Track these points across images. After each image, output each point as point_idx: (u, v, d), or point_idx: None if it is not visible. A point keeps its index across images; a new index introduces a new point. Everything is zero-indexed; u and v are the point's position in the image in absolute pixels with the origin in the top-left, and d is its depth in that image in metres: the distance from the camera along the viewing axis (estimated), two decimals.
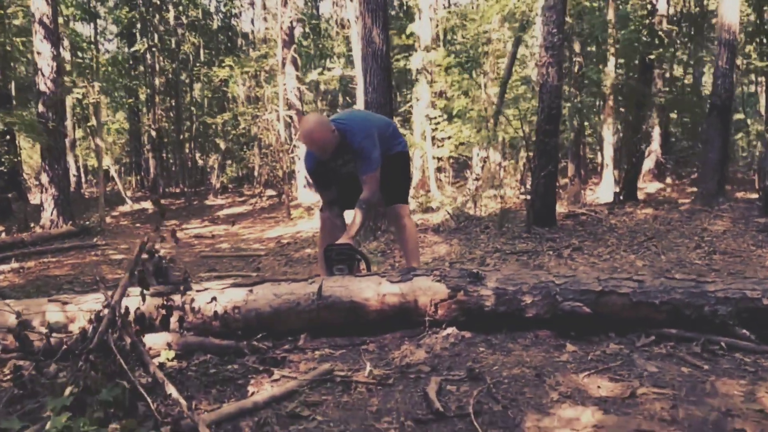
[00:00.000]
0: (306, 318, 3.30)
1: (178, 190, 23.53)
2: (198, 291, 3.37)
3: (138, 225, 14.08)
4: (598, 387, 2.59)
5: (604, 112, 11.91)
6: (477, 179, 8.91)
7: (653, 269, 4.61)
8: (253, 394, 2.66)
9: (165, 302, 2.71)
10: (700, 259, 4.97)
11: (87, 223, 11.73)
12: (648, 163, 14.52)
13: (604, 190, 11.99)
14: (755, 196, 9.25)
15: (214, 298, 3.02)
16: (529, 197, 6.80)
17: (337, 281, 3.36)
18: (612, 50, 10.19)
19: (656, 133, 13.55)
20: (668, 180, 14.26)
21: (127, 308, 2.48)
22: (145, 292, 2.62)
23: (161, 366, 3.04)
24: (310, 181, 15.12)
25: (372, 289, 3.29)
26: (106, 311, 2.33)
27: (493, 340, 3.17)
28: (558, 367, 2.79)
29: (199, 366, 3.03)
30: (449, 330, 3.22)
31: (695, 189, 12.68)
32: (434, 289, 3.27)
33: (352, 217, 3.80)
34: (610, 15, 10.34)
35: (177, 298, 3.34)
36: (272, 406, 2.51)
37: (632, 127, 10.19)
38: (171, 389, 2.34)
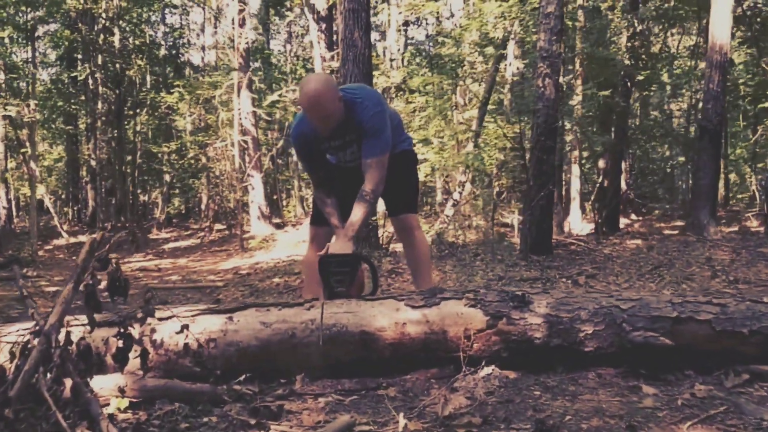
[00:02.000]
0: (303, 353, 2.55)
1: (119, 225, 22.21)
2: (161, 319, 2.58)
3: (75, 258, 12.93)
4: None
5: (572, 140, 11.61)
6: (455, 205, 8.33)
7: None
8: None
9: (122, 330, 1.94)
10: (727, 289, 4.46)
11: (15, 253, 10.58)
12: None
13: (572, 224, 11.60)
14: (736, 228, 8.99)
15: (185, 327, 2.25)
16: (523, 222, 6.24)
17: (342, 306, 2.63)
18: (579, 71, 9.85)
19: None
20: (632, 216, 14.03)
21: (67, 337, 1.70)
22: (93, 315, 1.84)
23: (111, 419, 2.23)
24: (263, 214, 14.20)
25: (388, 317, 2.58)
26: (36, 342, 1.55)
27: (547, 382, 2.49)
28: (648, 416, 2.13)
29: (164, 419, 2.24)
30: (489, 369, 2.53)
31: (662, 224, 12.46)
32: (468, 317, 2.57)
33: (352, 211, 3.06)
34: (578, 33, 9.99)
35: (133, 331, 2.55)
36: None
37: (614, 155, 9.84)
38: None
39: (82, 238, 17.17)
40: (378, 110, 3.05)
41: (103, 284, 2.23)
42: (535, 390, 2.40)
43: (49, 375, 1.54)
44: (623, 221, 12.71)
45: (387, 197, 3.29)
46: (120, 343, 1.94)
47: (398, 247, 7.31)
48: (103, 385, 2.38)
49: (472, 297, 2.62)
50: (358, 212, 3.02)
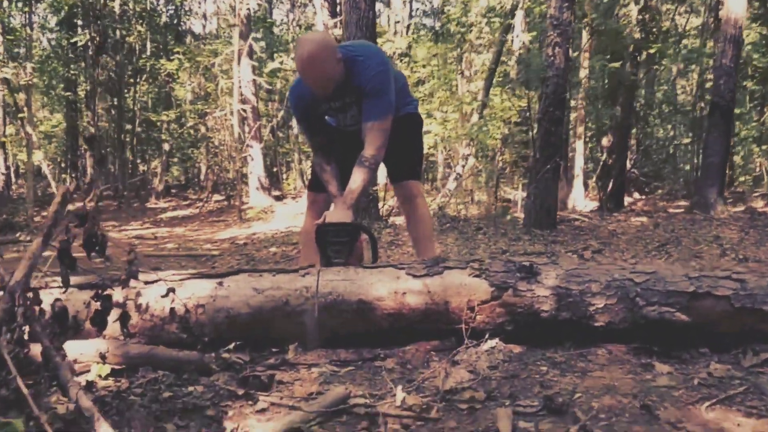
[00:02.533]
0: (297, 322, 2.40)
1: (116, 193, 22.04)
2: (147, 282, 2.43)
3: (71, 224, 12.76)
4: (738, 425, 1.79)
5: (575, 118, 11.40)
6: (457, 178, 8.16)
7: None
8: None
9: (100, 292, 1.79)
10: (737, 267, 4.32)
11: (10, 217, 10.43)
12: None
13: (575, 200, 11.43)
14: (743, 208, 8.82)
15: (171, 291, 2.10)
16: (527, 196, 6.06)
17: (339, 273, 2.48)
18: (587, 44, 9.56)
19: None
20: (636, 194, 13.87)
21: (36, 296, 1.55)
22: (68, 272, 1.69)
23: (89, 387, 2.09)
24: (262, 186, 14.04)
25: (387, 285, 2.43)
26: None
27: (555, 358, 2.35)
28: (663, 396, 1.99)
29: (147, 388, 2.10)
30: (493, 342, 2.39)
31: (666, 203, 12.30)
32: (472, 288, 2.43)
33: (351, 178, 2.89)
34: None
35: (116, 294, 2.41)
36: None
37: (621, 131, 9.63)
38: (103, 428, 1.42)
39: (79, 205, 17.01)
40: (381, 69, 2.87)
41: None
42: (541, 365, 2.26)
43: (13, 337, 1.39)
44: (626, 200, 12.55)
45: (389, 162, 3.12)
46: (98, 306, 1.80)
47: (399, 219, 7.17)
48: (83, 350, 2.25)
49: (477, 267, 2.47)
50: (357, 179, 2.85)
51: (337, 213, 2.80)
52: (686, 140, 20.75)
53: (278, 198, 15.14)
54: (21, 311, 1.40)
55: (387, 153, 2.94)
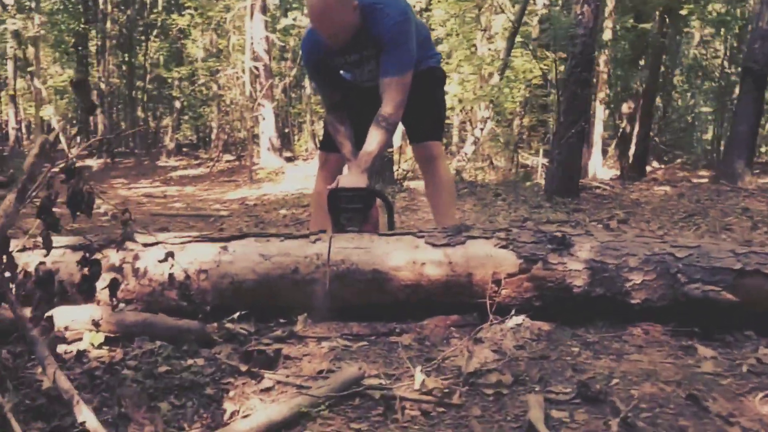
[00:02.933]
0: (307, 292, 2.22)
1: (127, 150, 21.91)
2: (145, 245, 2.25)
3: (54, 180, 12.63)
4: None
5: (597, 82, 11.02)
6: (476, 142, 7.89)
7: None
8: (233, 415, 1.58)
9: (87, 255, 1.61)
10: None
11: (17, 172, 10.28)
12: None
13: (595, 167, 11.14)
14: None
15: (170, 255, 1.92)
16: (550, 161, 5.81)
17: (353, 241, 2.28)
18: (611, 6, 9.07)
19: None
20: (655, 163, 13.54)
21: (10, 261, 1.36)
22: (50, 233, 1.50)
23: (79, 358, 1.93)
24: (273, 146, 13.82)
25: (405, 255, 2.23)
26: None
27: (587, 337, 2.15)
28: (709, 384, 1.79)
29: (143, 360, 1.93)
30: (519, 319, 2.19)
31: (686, 173, 12.00)
32: (498, 259, 2.22)
33: (366, 140, 2.67)
34: None
35: (112, 257, 2.23)
36: None
37: (646, 96, 9.27)
38: (83, 412, 1.24)
39: (89, 161, 16.91)
40: (402, 19, 2.62)
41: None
42: (573, 346, 2.07)
43: None
44: (646, 168, 12.23)
45: (408, 121, 2.89)
46: (85, 271, 1.62)
47: (414, 183, 6.94)
48: (76, 317, 2.09)
49: (504, 237, 2.27)
50: (373, 140, 2.63)
51: (351, 177, 2.59)
52: (705, 108, 20.24)
53: (289, 159, 14.92)
54: None
55: (406, 110, 2.71)
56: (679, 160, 14.49)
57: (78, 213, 1.51)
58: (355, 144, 2.79)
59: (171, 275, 1.97)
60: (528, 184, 6.28)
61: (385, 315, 2.28)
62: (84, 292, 1.64)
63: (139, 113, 23.00)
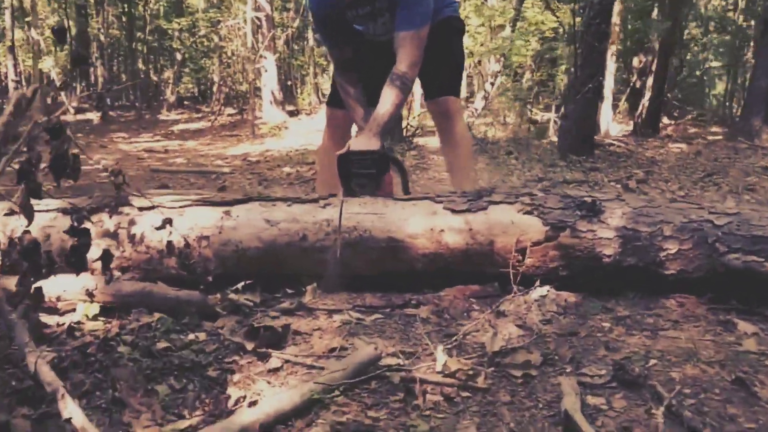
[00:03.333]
0: (316, 260, 2.06)
1: (128, 104, 21.57)
2: (141, 209, 2.09)
3: (80, 135, 12.44)
4: None
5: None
6: (486, 97, 7.63)
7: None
8: (238, 402, 1.44)
9: (75, 224, 1.45)
10: None
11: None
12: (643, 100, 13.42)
13: (604, 123, 10.88)
14: None
15: (167, 222, 1.76)
16: (565, 117, 5.58)
17: (366, 206, 2.11)
18: None
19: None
20: (665, 119, 13.22)
21: None
22: (32, 199, 1.34)
23: (71, 332, 1.79)
24: (276, 100, 13.53)
25: (422, 221, 2.07)
26: None
27: (617, 310, 2.00)
28: (755, 366, 1.65)
29: (140, 334, 1.79)
30: (543, 290, 2.04)
31: (698, 129, 11.73)
32: (523, 226, 2.06)
33: (380, 100, 2.47)
34: None
35: (106, 221, 2.07)
36: None
37: (663, 49, 8.93)
38: (68, 407, 1.10)
39: (89, 115, 16.63)
40: None
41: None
42: (603, 320, 1.92)
43: None
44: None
45: (423, 75, 2.67)
46: (74, 241, 1.46)
47: (423, 140, 6.73)
48: (68, 287, 1.94)
49: (529, 202, 2.10)
50: (387, 101, 2.41)
51: (363, 140, 2.38)
52: (716, 63, 19.75)
53: (292, 114, 14.64)
54: None
55: (422, 64, 2.51)
56: (689, 116, 14.18)
57: (61, 178, 1.34)
58: (368, 105, 2.60)
59: (169, 243, 1.81)
60: (546, 141, 6.04)
61: (400, 285, 2.13)
62: (73, 265, 1.49)
63: (140, 65, 22.57)
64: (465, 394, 1.49)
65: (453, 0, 2.77)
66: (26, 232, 1.50)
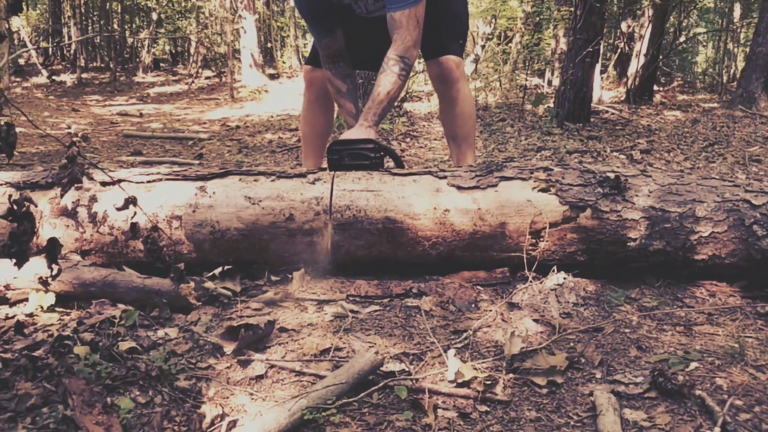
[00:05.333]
0: (304, 243, 1.81)
1: (102, 65, 20.86)
2: (105, 184, 1.82)
3: (52, 98, 11.95)
4: None
5: None
6: (476, 60, 7.31)
7: (763, 184, 3.33)
8: (214, 422, 1.20)
9: (15, 206, 1.19)
10: None
11: None
12: (633, 65, 13.15)
13: (595, 89, 10.62)
14: None
15: (130, 202, 1.49)
16: (562, 83, 5.32)
17: (360, 182, 1.86)
18: None
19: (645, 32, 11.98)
20: (653, 86, 12.97)
21: None
22: None
23: (20, 329, 1.53)
24: (255, 62, 13.07)
25: (424, 200, 1.82)
26: None
27: (642, 300, 1.79)
28: None
29: (101, 331, 1.54)
30: (560, 277, 1.81)
31: (686, 96, 11.54)
32: (538, 205, 1.83)
33: (374, 87, 2.19)
34: None
35: (65, 198, 1.79)
36: None
37: (658, 12, 8.64)
38: None
39: (63, 77, 16.04)
40: None
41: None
42: (629, 313, 1.71)
43: None
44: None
45: (423, 34, 2.38)
46: (14, 228, 1.20)
47: (412, 105, 6.40)
48: (20, 273, 1.67)
49: (544, 178, 1.86)
50: (383, 88, 2.15)
51: (357, 129, 2.12)
52: (700, 29, 19.49)
53: (273, 77, 14.18)
54: None
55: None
56: (676, 82, 13.97)
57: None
58: (351, 65, 2.34)
59: (133, 225, 1.55)
60: (542, 108, 5.77)
61: (398, 269, 1.90)
62: (14, 255, 1.23)
63: (114, 26, 21.79)
64: (483, 408, 1.27)
65: None
66: None
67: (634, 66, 9.90)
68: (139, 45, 22.66)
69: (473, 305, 1.75)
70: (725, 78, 13.16)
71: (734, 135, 5.18)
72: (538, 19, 9.69)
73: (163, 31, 19.02)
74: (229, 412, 1.23)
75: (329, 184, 1.81)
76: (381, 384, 1.29)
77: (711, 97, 11.11)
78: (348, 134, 2.14)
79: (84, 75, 16.68)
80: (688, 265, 1.85)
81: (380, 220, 1.80)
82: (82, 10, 20.85)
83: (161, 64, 21.05)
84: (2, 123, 1.06)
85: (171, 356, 1.42)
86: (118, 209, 1.55)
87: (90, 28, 23.47)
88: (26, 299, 1.72)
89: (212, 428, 1.18)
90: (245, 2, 12.26)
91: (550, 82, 9.91)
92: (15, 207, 1.22)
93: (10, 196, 1.22)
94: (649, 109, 7.20)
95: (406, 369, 1.38)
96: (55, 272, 1.25)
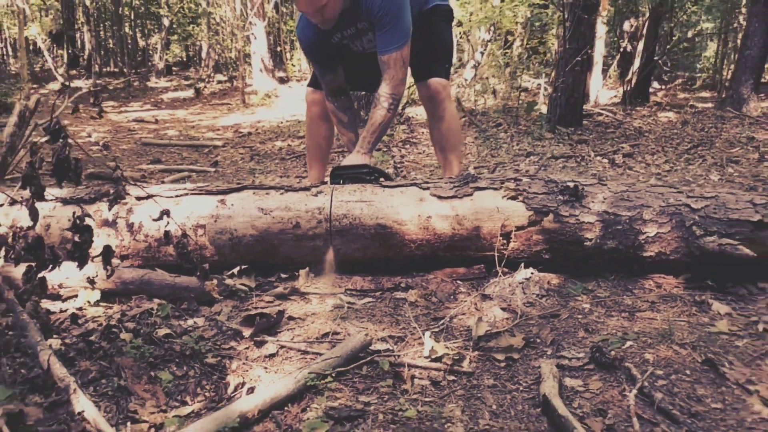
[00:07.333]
0: (308, 247, 2.14)
1: (116, 70, 21.32)
2: (140, 199, 2.15)
3: (69, 105, 12.32)
4: None
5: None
6: (476, 66, 7.61)
7: (733, 185, 3.61)
8: (237, 388, 1.52)
9: (78, 221, 1.51)
10: None
11: (3, 98, 10.00)
12: (636, 64, 13.38)
13: (594, 88, 10.88)
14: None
15: (164, 214, 1.82)
16: (553, 90, 5.61)
17: (355, 194, 2.18)
18: None
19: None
20: (655, 83, 13.22)
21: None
22: (36, 202, 1.40)
23: (74, 320, 1.86)
24: (266, 67, 13.42)
25: (410, 208, 2.14)
26: None
27: (597, 292, 2.10)
28: (726, 347, 1.75)
29: (141, 321, 1.87)
30: (527, 272, 2.13)
31: (688, 95, 11.75)
32: (507, 211, 2.14)
33: (369, 119, 2.58)
34: None
35: (105, 211, 2.13)
36: (274, 418, 1.40)
37: (654, 13, 8.86)
38: (81, 401, 1.18)
39: (78, 82, 16.46)
40: None
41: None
42: (583, 302, 2.02)
43: None
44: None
45: (413, 60, 2.72)
46: (76, 238, 1.52)
47: (413, 111, 6.74)
48: (70, 275, 2.01)
49: (513, 188, 2.17)
50: (375, 121, 2.55)
51: (354, 156, 2.52)
52: (707, 24, 19.59)
53: (282, 81, 14.54)
54: None
55: (411, 50, 2.56)
56: (679, 80, 14.18)
57: (63, 182, 1.40)
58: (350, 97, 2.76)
59: (167, 233, 1.87)
60: (535, 113, 6.06)
61: (390, 267, 2.22)
62: (77, 259, 1.55)
63: (127, 30, 22.24)
64: (451, 378, 1.58)
65: None
66: (30, 228, 1.56)
67: (636, 65, 10.16)
68: (150, 48, 23.12)
69: (452, 296, 2.06)
70: (726, 75, 13.35)
71: (720, 136, 5.44)
72: (540, 22, 9.96)
73: (175, 37, 19.42)
74: (248, 381, 1.55)
75: (329, 196, 2.13)
76: (369, 359, 1.61)
77: (712, 94, 11.33)
78: (347, 160, 2.52)
79: (98, 80, 17.10)
80: (638, 261, 2.15)
81: (373, 226, 2.12)
82: (95, 16, 21.28)
83: (173, 69, 21.48)
84: (72, 157, 1.38)
85: (200, 340, 1.75)
86: (155, 220, 1.88)
87: (102, 33, 23.93)
88: (76, 295, 2.05)
89: (235, 393, 1.50)
90: (255, 9, 12.60)
91: (555, 88, 10.20)
92: (77, 222, 1.54)
93: (74, 213, 1.55)
94: (644, 110, 7.46)
95: (391, 348, 1.70)
96: (109, 272, 1.57)
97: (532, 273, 2.12)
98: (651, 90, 12.50)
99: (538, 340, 1.77)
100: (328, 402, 1.45)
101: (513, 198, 2.15)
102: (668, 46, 10.26)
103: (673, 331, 1.80)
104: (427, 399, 1.49)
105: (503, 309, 1.95)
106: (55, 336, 1.76)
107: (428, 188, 2.18)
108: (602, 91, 11.55)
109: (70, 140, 1.49)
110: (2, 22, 21.85)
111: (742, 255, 2.03)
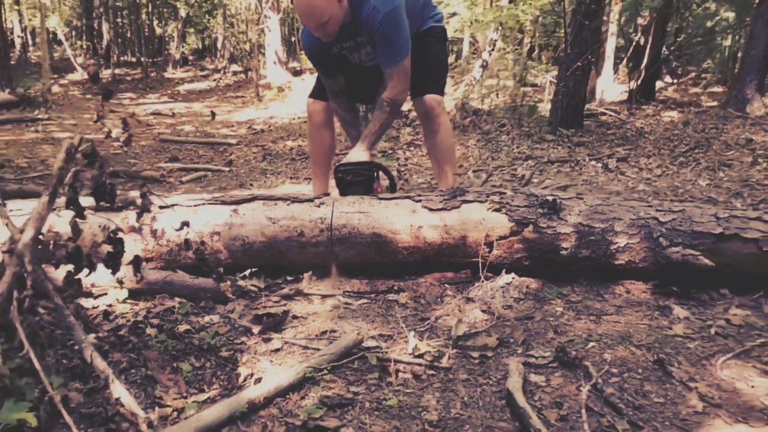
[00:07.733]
0: (311, 253, 2.38)
1: (134, 60, 21.69)
2: (162, 207, 2.40)
3: (89, 97, 12.68)
4: (752, 386, 1.78)
5: None
6: (483, 66, 7.80)
7: (720, 190, 3.80)
8: (246, 378, 1.78)
9: (112, 235, 1.77)
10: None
11: (29, 92, 10.32)
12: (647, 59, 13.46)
13: (604, 84, 11.01)
14: None
15: (185, 224, 2.07)
16: (555, 93, 5.80)
17: (354, 205, 2.42)
18: None
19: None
20: (667, 78, 13.32)
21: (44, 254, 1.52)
22: (78, 221, 1.66)
23: (106, 316, 2.12)
24: (279, 60, 13.63)
25: (403, 219, 2.38)
26: (9, 259, 1.38)
27: (570, 297, 2.33)
28: (678, 347, 1.97)
29: (164, 317, 2.13)
30: (508, 278, 2.36)
31: (699, 90, 11.83)
32: (491, 222, 2.37)
33: (371, 120, 2.82)
34: None
35: (131, 218, 2.39)
36: (277, 404, 1.65)
37: (662, 12, 8.96)
38: (118, 389, 1.43)
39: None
40: (389, 9, 2.64)
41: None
42: (556, 306, 2.25)
43: (24, 302, 1.38)
44: (657, 84, 12.05)
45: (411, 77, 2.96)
46: (110, 248, 1.78)
47: None
48: (101, 275, 2.27)
49: (498, 201, 2.40)
50: (376, 121, 2.80)
51: (355, 154, 2.75)
52: (726, 13, 19.51)
53: (296, 72, 14.78)
54: (29, 278, 1.38)
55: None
56: (692, 75, 14.24)
57: (101, 203, 1.66)
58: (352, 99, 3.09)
59: (187, 240, 2.13)
60: (536, 115, 6.24)
61: (385, 271, 2.46)
62: (110, 267, 1.81)
63: (144, 18, 22.56)
64: (430, 372, 1.83)
65: (436, 12, 3.03)
66: (70, 239, 1.82)
67: (644, 62, 10.29)
68: (167, 38, 23.42)
69: (439, 299, 2.31)
70: (736, 71, 13.39)
71: (719, 138, 5.61)
72: (550, 20, 10.08)
73: (192, 30, 19.69)
74: (256, 372, 1.81)
75: (331, 207, 2.37)
76: (359, 355, 1.86)
77: (723, 89, 11.42)
78: (349, 157, 2.74)
79: (116, 70, 17.42)
80: (609, 269, 2.38)
81: (369, 234, 2.36)
82: (112, 5, 21.59)
83: (189, 59, 21.79)
84: (108, 182, 1.63)
85: (216, 335, 2.00)
86: (176, 230, 2.14)
87: (120, 21, 24.28)
88: (105, 293, 2.31)
89: (245, 382, 1.76)
90: (270, 2, 12.82)
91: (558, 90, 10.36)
92: (111, 235, 1.80)
93: (107, 227, 1.80)
94: (648, 108, 7.62)
95: (380, 345, 1.95)
96: (139, 278, 1.82)
97: (513, 278, 2.36)
98: (663, 85, 12.60)
99: (511, 340, 2.01)
100: (323, 391, 1.70)
101: (497, 210, 2.38)
102: (677, 39, 10.31)
103: (632, 334, 2.03)
104: (408, 390, 1.73)
105: (483, 311, 2.19)
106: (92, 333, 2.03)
107: (420, 201, 2.42)
108: (613, 85, 11.68)
109: (102, 159, 1.74)
110: (24, 12, 22.23)
111: (702, 264, 2.25)
